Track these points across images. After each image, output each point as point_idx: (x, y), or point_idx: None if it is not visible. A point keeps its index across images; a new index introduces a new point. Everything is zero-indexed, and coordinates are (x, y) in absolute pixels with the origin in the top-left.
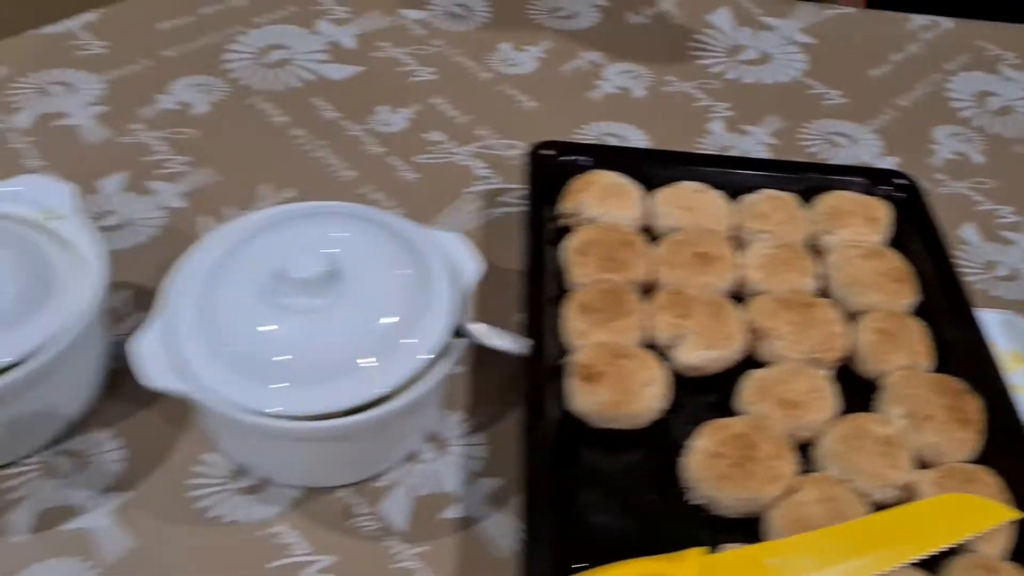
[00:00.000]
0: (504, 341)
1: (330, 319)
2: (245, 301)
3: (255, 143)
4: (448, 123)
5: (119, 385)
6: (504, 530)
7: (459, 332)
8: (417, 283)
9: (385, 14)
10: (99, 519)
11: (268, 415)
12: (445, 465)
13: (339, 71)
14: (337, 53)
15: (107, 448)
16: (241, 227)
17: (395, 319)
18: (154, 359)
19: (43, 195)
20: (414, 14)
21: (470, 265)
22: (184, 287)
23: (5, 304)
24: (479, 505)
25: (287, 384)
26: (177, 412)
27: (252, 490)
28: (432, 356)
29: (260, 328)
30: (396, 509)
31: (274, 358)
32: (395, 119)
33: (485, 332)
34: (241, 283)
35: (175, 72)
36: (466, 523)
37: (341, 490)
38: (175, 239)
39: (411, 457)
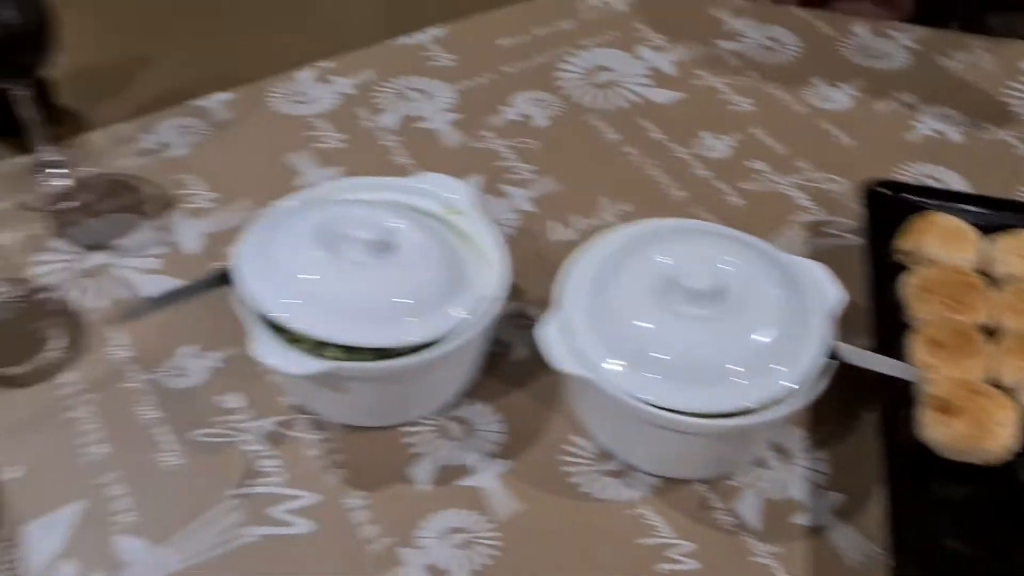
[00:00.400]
0: (886, 366)
1: (713, 329)
2: (635, 301)
3: (591, 157)
4: (768, 153)
5: (495, 365)
6: (853, 542)
7: (831, 355)
8: (792, 306)
9: (700, 44)
10: (488, 480)
11: (647, 403)
12: (791, 474)
13: (662, 95)
14: (659, 78)
15: (489, 419)
16: (625, 235)
17: (771, 338)
18: (556, 345)
19: (444, 191)
20: (728, 45)
21: (832, 292)
22: (577, 284)
23: (431, 289)
24: (826, 515)
25: (661, 378)
26: (548, 395)
27: (617, 474)
28: (801, 383)
29: (647, 326)
30: (748, 508)
31: (653, 354)
32: (718, 145)
33: (865, 357)
34: (632, 284)
35: (515, 86)
36: (815, 531)
37: (697, 484)
38: (530, 239)
39: (759, 462)
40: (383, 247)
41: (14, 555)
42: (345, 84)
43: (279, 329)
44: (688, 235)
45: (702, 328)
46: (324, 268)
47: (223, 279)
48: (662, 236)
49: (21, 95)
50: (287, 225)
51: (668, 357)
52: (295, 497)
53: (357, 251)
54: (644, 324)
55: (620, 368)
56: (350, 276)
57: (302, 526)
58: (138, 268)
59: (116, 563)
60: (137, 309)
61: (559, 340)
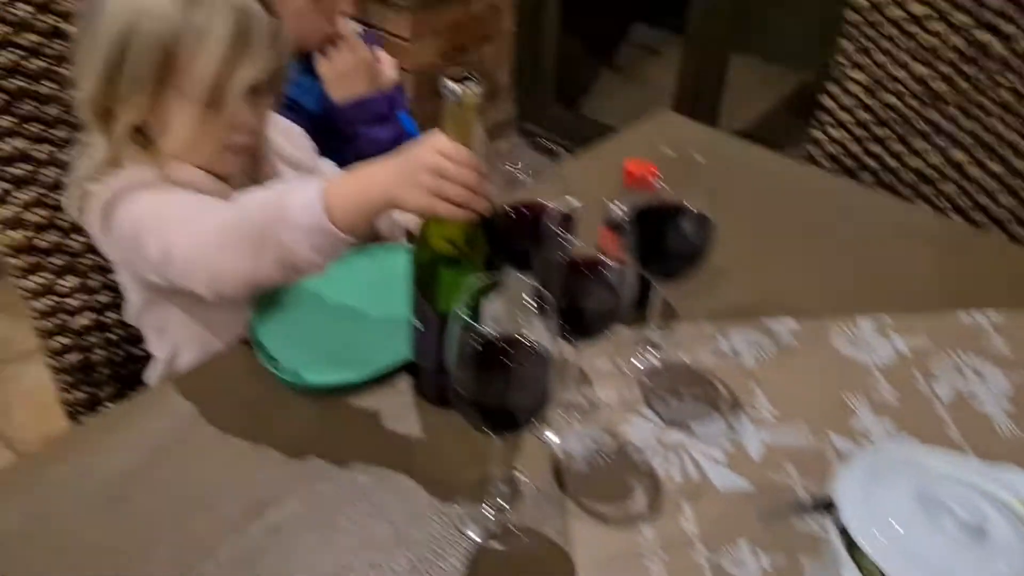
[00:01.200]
0: None
1: None
2: None
3: None
4: None
5: None
6: None
7: None
8: None
9: None
10: None
11: None
12: None
13: None
14: None
15: None
16: None
17: None
18: None
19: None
20: None
21: None
22: None
23: None
24: None
25: None
26: None
27: None
28: None
29: None
30: None
31: None
32: None
33: None
34: None
35: None
36: None
37: None
38: None
39: None
40: (976, 531)
41: None
42: (901, 342)
43: (854, 560)
44: None
45: None
46: (917, 526)
47: (826, 506)
48: None
49: (659, 291)
50: (891, 474)
51: None
52: None
53: (951, 524)
54: None
55: None
56: (938, 544)
57: None
58: (706, 455)
59: None
60: (774, 515)
61: None
